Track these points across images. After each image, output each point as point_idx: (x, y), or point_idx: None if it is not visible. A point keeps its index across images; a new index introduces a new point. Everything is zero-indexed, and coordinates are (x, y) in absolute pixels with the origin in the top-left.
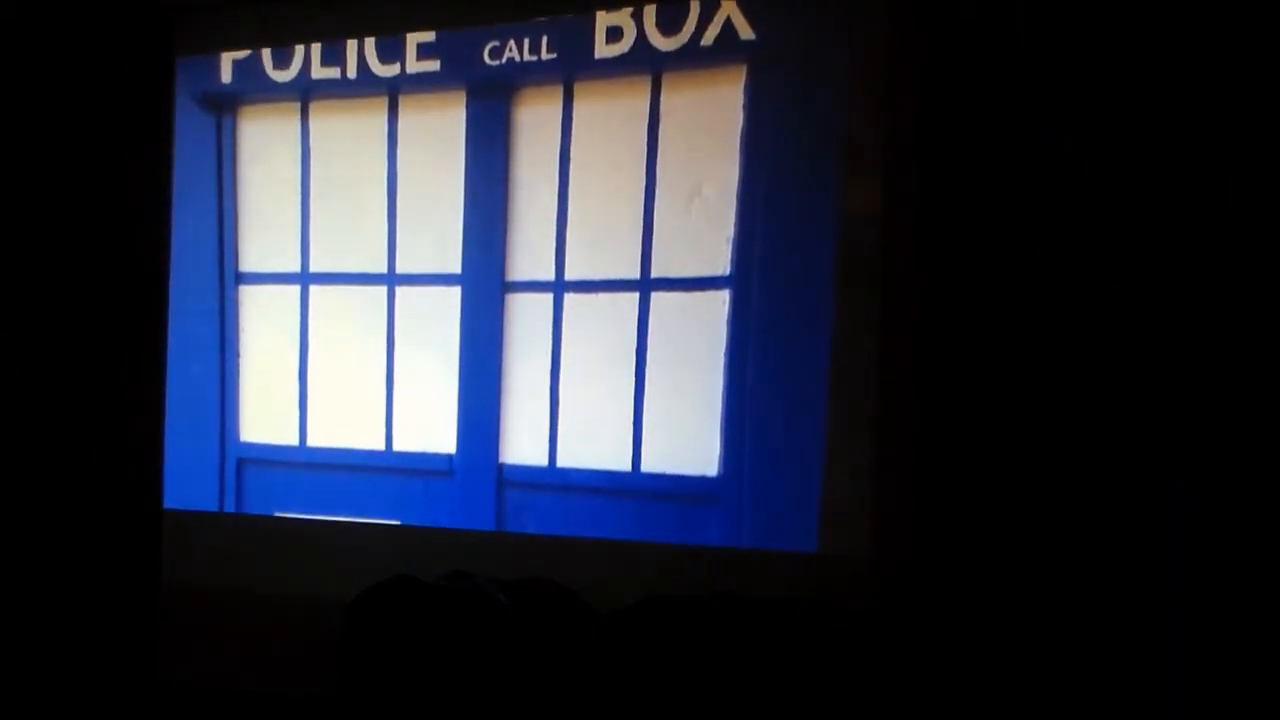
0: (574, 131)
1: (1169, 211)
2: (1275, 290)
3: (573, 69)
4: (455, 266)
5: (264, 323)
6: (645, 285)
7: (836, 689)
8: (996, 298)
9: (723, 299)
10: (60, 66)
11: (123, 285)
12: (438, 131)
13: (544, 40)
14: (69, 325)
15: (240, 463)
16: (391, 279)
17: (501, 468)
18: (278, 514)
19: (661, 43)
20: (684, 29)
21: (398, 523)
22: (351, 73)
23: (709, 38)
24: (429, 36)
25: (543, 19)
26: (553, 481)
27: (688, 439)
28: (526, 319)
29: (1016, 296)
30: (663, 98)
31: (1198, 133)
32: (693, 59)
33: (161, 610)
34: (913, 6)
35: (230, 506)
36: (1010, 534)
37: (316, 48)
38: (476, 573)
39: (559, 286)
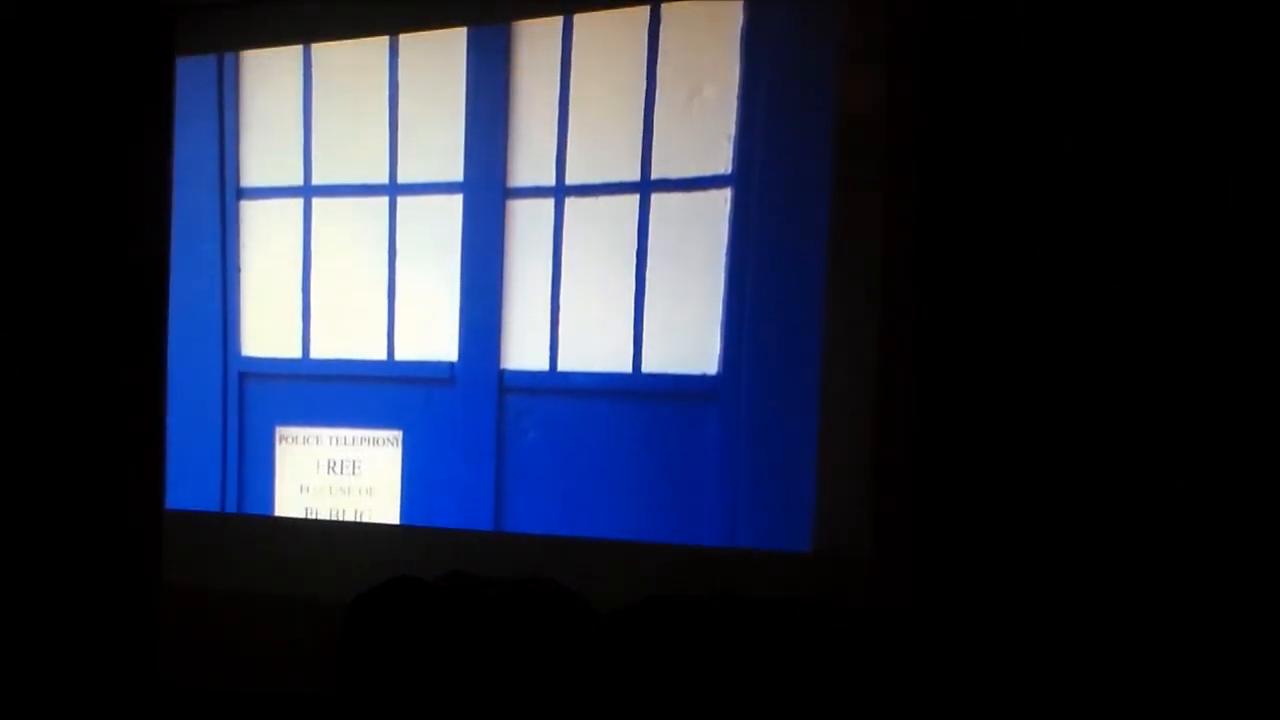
0: (574, 35)
1: (1169, 211)
2: (1275, 290)
3: None
4: (457, 175)
5: (265, 237)
6: (645, 187)
7: (836, 689)
8: (996, 298)
9: (724, 198)
10: (60, 66)
11: (123, 284)
12: (439, 39)
13: None
14: (69, 325)
15: (242, 377)
16: (393, 189)
17: (503, 374)
18: (279, 427)
19: None
20: None
21: (397, 523)
22: None
23: None
24: None
25: (541, 16)
26: (554, 386)
27: (688, 339)
28: (528, 225)
29: (1016, 296)
30: None
31: (1198, 131)
32: None
33: (161, 610)
34: None
35: (233, 421)
36: (1010, 533)
37: None
38: (476, 573)
39: (559, 191)
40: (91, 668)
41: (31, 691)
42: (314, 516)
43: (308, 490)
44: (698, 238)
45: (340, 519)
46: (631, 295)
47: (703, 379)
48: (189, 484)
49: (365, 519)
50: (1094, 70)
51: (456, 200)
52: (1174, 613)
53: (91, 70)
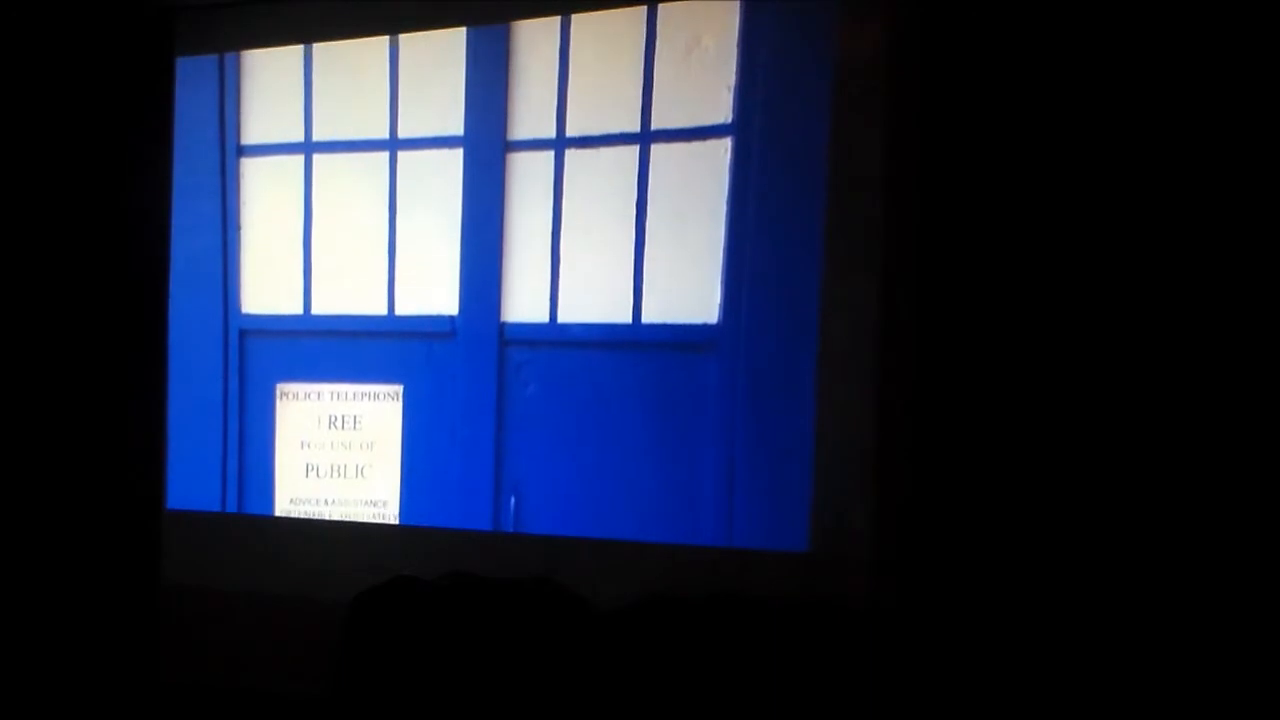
0: None
1: (1171, 210)
2: (1276, 290)
3: None
4: (457, 129)
5: (266, 194)
6: (645, 138)
7: (836, 689)
8: (996, 297)
9: (724, 147)
10: (60, 66)
11: (123, 284)
12: None
13: None
14: (69, 326)
15: (242, 334)
16: (393, 144)
17: (503, 326)
18: (280, 384)
19: None
20: None
21: (397, 523)
22: None
23: None
24: None
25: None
26: (554, 338)
27: (688, 289)
28: (528, 178)
29: (1016, 295)
30: None
31: (1200, 130)
32: None
33: (161, 610)
34: None
35: (234, 378)
36: (1011, 533)
37: None
38: (476, 573)
39: (560, 144)
40: (92, 667)
41: (33, 690)
42: (315, 473)
43: (308, 446)
44: (698, 188)
45: (341, 476)
46: (631, 246)
47: (703, 328)
48: (190, 444)
49: (366, 473)
50: (1096, 67)
51: (457, 154)
52: (1174, 612)
53: (91, 71)
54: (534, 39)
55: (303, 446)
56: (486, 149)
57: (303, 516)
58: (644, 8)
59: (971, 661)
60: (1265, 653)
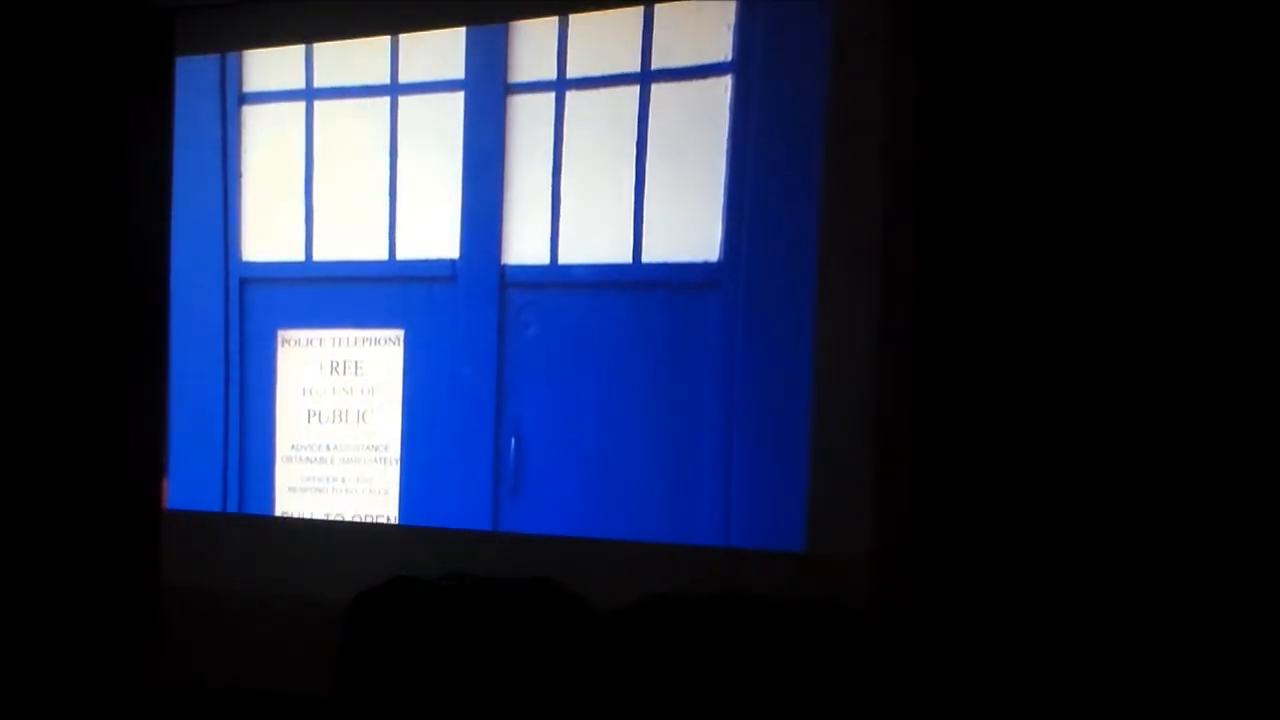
0: None
1: (1172, 209)
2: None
3: None
4: (458, 72)
5: (267, 142)
6: (646, 78)
7: (837, 689)
8: (997, 296)
9: (724, 85)
10: (60, 66)
11: (123, 285)
12: None
13: None
14: (69, 327)
15: (243, 282)
16: (394, 89)
17: (504, 269)
18: (281, 330)
19: None
20: None
21: (397, 523)
22: None
23: None
24: None
25: (541, 14)
26: (554, 279)
27: (689, 228)
28: (529, 120)
29: (1017, 294)
30: None
31: (1203, 129)
32: None
33: (162, 610)
34: None
35: (234, 326)
36: (1012, 533)
37: None
38: (476, 573)
39: (560, 85)
40: (91, 667)
41: (32, 691)
42: (317, 419)
43: (310, 392)
44: (699, 126)
45: (343, 421)
46: (632, 187)
47: (704, 266)
48: (191, 392)
49: (367, 418)
50: (1097, 67)
51: (458, 98)
52: (1175, 613)
53: (91, 70)
54: None
55: (304, 393)
56: (487, 92)
57: (301, 519)
58: None
59: (972, 661)
60: (1266, 656)
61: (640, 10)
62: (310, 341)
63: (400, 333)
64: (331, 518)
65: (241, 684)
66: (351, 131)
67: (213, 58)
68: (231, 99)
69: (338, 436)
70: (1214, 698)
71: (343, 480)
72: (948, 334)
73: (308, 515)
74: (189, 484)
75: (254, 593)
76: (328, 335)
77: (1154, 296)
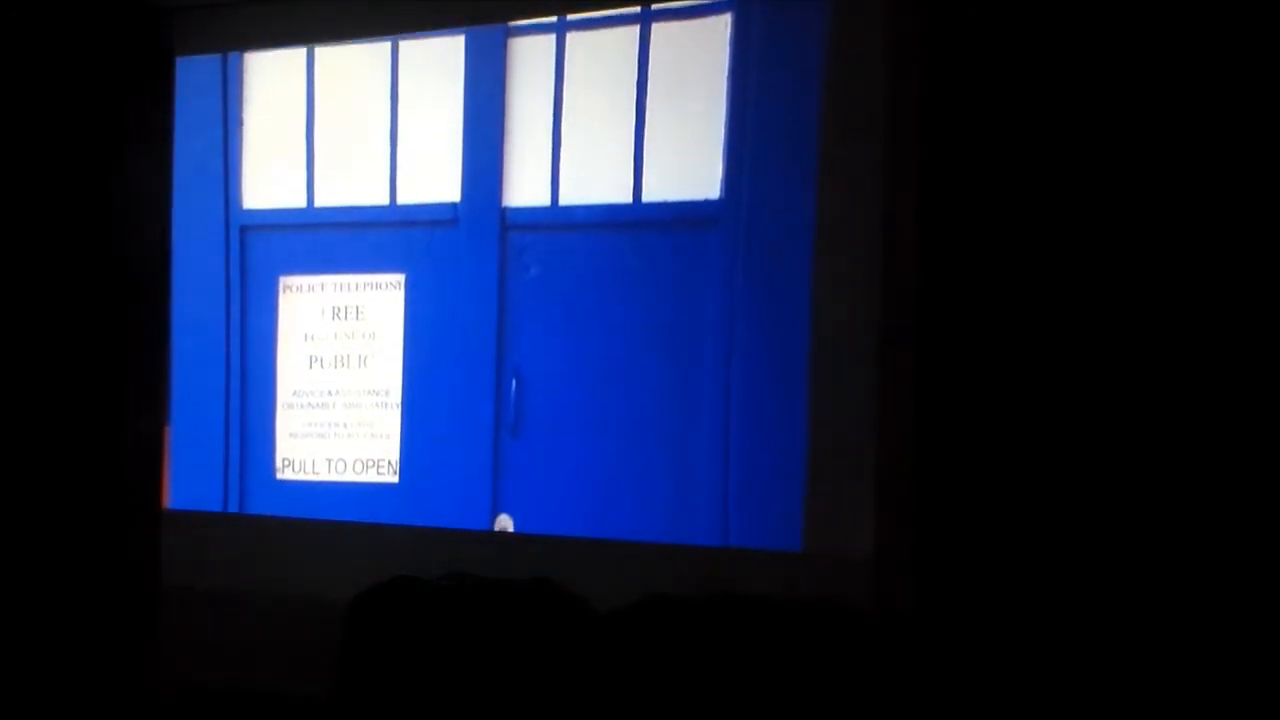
0: None
1: (1174, 209)
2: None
3: None
4: None
5: (268, 88)
6: (646, 16)
7: (836, 689)
8: (998, 296)
9: (724, 23)
10: (59, 66)
11: (123, 286)
12: None
13: None
14: (68, 327)
15: (243, 230)
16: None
17: (505, 211)
18: (283, 277)
19: None
20: None
21: (397, 523)
22: None
23: None
24: None
25: (542, 14)
26: (555, 221)
27: (690, 166)
28: (529, 62)
29: (1018, 293)
30: None
31: (1205, 123)
32: None
33: (162, 610)
34: None
35: (235, 274)
36: (1013, 533)
37: None
38: (476, 573)
39: (561, 26)
40: (91, 667)
41: (32, 691)
42: (319, 364)
43: (311, 338)
44: (699, 64)
45: (344, 367)
46: (632, 127)
47: (705, 204)
48: (193, 343)
49: (368, 363)
50: (1098, 66)
51: (459, 40)
52: (1175, 613)
53: (90, 71)
54: None
55: (306, 339)
56: (487, 34)
57: (301, 519)
58: None
59: (972, 661)
60: (1266, 657)
61: None
62: (312, 288)
63: (401, 277)
64: (333, 462)
65: (241, 684)
66: (352, 76)
67: None
68: None
69: (339, 382)
70: (1215, 698)
71: (344, 425)
72: (948, 331)
73: (310, 460)
74: (191, 431)
75: (254, 593)
76: (329, 281)
77: (1159, 296)
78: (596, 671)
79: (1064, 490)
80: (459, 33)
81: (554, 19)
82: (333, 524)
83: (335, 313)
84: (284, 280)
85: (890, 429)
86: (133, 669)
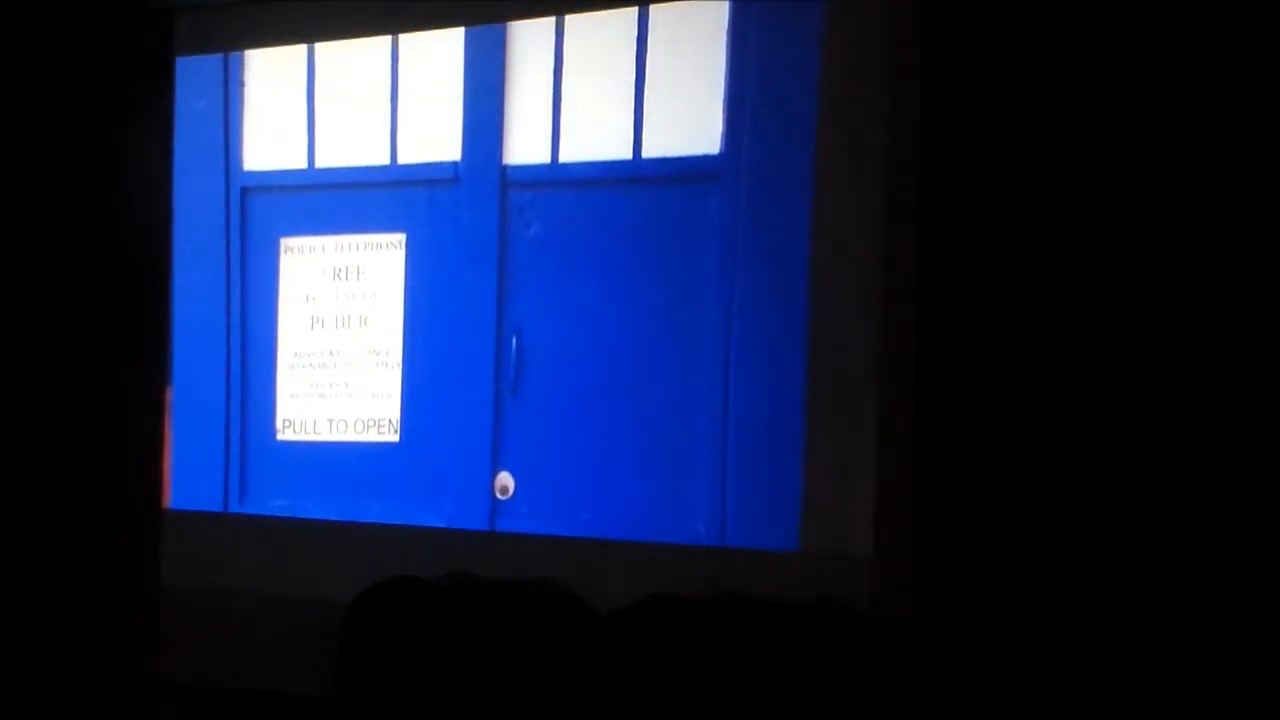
0: None
1: (1176, 209)
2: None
3: None
4: None
5: (268, 51)
6: None
7: (840, 690)
8: (999, 296)
9: None
10: (59, 66)
11: (122, 285)
12: None
13: None
14: (67, 327)
15: (244, 192)
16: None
17: (505, 169)
18: (283, 239)
19: None
20: None
21: (397, 523)
22: None
23: None
24: None
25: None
26: (555, 178)
27: (690, 121)
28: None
29: (1020, 293)
30: None
31: (1204, 136)
32: None
33: (162, 610)
34: None
35: (235, 234)
36: (1014, 533)
37: None
38: (476, 573)
39: None
40: (91, 667)
41: (32, 690)
42: (320, 324)
43: (312, 299)
44: (700, 19)
45: (345, 327)
46: (632, 82)
47: (705, 159)
48: (193, 306)
49: (369, 323)
50: (1100, 65)
51: None
52: (1176, 614)
53: (89, 72)
54: None
55: (307, 300)
56: None
57: (301, 519)
58: None
59: (972, 662)
60: (1267, 657)
61: None
62: (313, 249)
63: (402, 236)
64: (334, 422)
65: (241, 684)
66: (351, 40)
67: None
68: None
69: (340, 342)
70: (1216, 699)
71: (345, 385)
72: (949, 329)
73: (311, 420)
74: (193, 394)
75: (254, 593)
76: (330, 241)
77: (1159, 296)
78: (597, 671)
79: (1064, 490)
80: None
81: None
82: (333, 524)
83: (336, 273)
84: (285, 242)
85: (890, 429)
86: (133, 669)
